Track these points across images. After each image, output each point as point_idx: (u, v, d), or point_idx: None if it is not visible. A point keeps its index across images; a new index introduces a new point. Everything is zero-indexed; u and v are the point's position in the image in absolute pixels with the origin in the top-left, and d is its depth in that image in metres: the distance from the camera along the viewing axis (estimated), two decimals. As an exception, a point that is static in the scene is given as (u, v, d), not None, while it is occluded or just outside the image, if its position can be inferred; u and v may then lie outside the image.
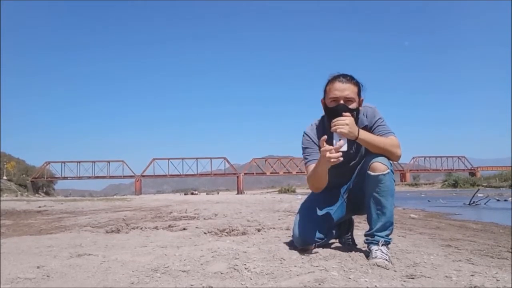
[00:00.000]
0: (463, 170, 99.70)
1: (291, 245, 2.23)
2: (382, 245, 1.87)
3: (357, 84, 2.03)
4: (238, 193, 68.59)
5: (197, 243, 2.40)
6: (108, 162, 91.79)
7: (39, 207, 9.88)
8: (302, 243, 2.03)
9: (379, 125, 2.04)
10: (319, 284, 1.34)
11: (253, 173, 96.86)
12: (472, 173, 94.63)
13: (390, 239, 1.94)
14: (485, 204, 11.00)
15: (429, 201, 15.39)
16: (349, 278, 1.42)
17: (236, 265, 1.64)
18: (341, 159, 1.81)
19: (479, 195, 12.43)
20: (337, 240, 2.36)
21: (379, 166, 1.89)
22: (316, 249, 2.01)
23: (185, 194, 59.62)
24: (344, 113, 1.88)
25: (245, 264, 1.65)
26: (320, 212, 2.12)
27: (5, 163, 67.94)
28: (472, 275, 1.47)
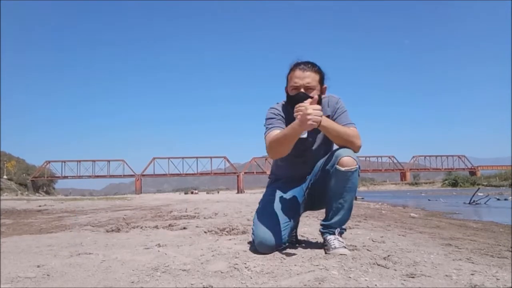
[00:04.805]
0: (463, 169, 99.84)
1: (291, 243, 2.23)
2: (338, 234, 1.93)
3: (319, 71, 2.00)
4: (238, 192, 68.64)
5: (197, 242, 2.40)
6: (108, 161, 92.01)
7: (39, 206, 9.88)
8: (265, 248, 1.88)
9: (340, 115, 2.03)
10: (319, 283, 1.34)
11: (253, 172, 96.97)
12: (472, 172, 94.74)
13: (345, 229, 1.99)
14: (485, 203, 11.01)
15: (429, 200, 15.40)
16: (349, 277, 1.42)
17: (236, 264, 1.64)
18: (320, 118, 1.78)
19: (479, 194, 12.42)
20: None
21: (349, 161, 1.85)
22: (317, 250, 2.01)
23: (185, 193, 59.76)
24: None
25: (245, 263, 1.65)
26: (286, 213, 2.01)
27: (5, 162, 67.97)
28: (472, 274, 1.47)
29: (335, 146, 2.04)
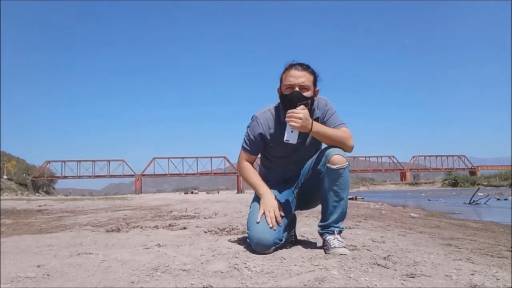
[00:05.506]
0: (463, 169, 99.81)
1: (291, 243, 2.23)
2: (337, 234, 1.95)
3: (313, 73, 2.03)
4: (238, 192, 68.57)
5: (197, 242, 2.40)
6: (108, 161, 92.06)
7: (39, 206, 9.88)
8: (262, 247, 1.90)
9: (331, 116, 2.07)
10: (319, 283, 1.34)
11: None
12: (472, 172, 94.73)
13: (343, 228, 2.01)
14: (485, 203, 11.02)
15: (429, 200, 15.41)
16: (349, 277, 1.42)
17: (236, 264, 1.64)
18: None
19: (479, 194, 12.43)
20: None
21: (339, 159, 1.90)
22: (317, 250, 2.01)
23: (185, 193, 59.76)
24: (297, 106, 1.91)
25: (245, 263, 1.66)
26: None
27: (5, 162, 67.96)
28: (472, 274, 1.47)
29: (323, 144, 2.08)
